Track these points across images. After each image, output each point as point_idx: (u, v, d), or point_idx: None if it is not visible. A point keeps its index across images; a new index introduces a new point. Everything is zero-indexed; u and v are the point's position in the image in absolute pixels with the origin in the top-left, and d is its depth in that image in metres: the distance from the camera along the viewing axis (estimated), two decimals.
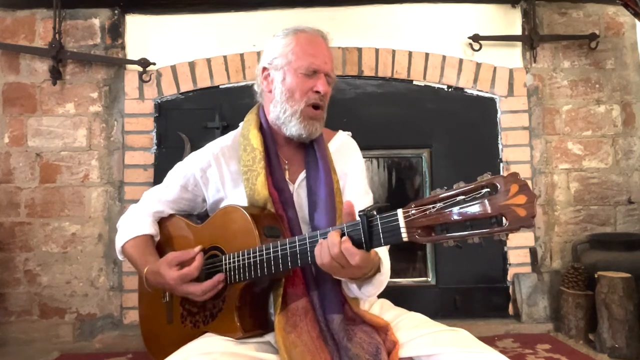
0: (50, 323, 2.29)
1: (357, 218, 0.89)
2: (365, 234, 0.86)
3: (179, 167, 1.32)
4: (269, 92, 1.24)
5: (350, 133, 1.37)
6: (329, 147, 1.27)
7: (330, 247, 0.89)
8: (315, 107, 1.19)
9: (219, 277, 1.09)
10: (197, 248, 1.14)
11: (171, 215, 1.31)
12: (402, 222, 0.81)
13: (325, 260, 0.91)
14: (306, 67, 1.18)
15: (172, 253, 1.16)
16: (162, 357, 1.02)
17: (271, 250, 1.01)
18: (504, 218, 0.71)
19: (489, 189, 0.73)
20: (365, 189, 1.29)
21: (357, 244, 0.87)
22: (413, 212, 0.80)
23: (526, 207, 0.70)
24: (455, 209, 0.75)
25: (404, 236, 0.81)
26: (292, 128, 1.19)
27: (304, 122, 1.18)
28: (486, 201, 0.72)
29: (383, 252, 1.05)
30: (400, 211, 0.82)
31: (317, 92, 1.18)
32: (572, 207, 2.46)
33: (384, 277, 1.04)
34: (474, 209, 0.73)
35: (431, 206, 0.77)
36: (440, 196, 0.77)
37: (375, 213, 0.86)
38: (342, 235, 0.90)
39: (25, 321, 2.29)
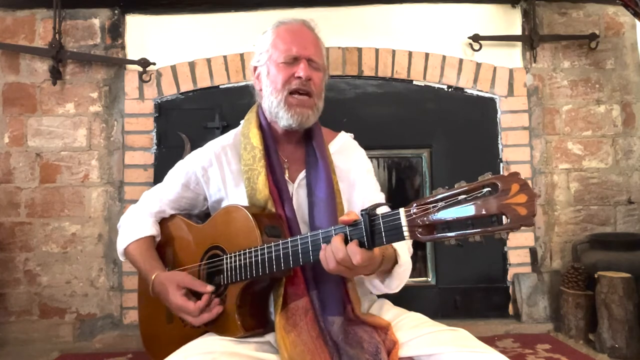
0: (50, 323, 2.29)
1: (359, 217, 0.89)
2: (367, 233, 0.86)
3: (180, 165, 1.32)
4: (260, 90, 1.25)
5: (352, 135, 1.36)
6: (329, 147, 1.26)
7: (334, 252, 0.89)
8: (300, 92, 1.18)
9: (218, 309, 1.08)
10: (209, 288, 1.10)
11: (172, 216, 1.31)
12: (404, 221, 0.82)
13: (331, 266, 0.91)
14: (285, 55, 1.17)
15: (186, 275, 1.15)
16: (161, 357, 1.02)
17: (272, 249, 1.02)
18: (505, 217, 0.72)
19: (490, 189, 0.73)
20: (376, 186, 1.28)
21: (359, 243, 0.87)
22: (415, 210, 0.80)
23: (527, 206, 0.71)
24: (457, 208, 0.75)
25: (406, 235, 0.82)
26: (282, 119, 1.19)
27: (290, 110, 1.17)
28: (487, 200, 0.73)
29: (400, 244, 1.03)
30: (402, 210, 0.83)
31: (299, 77, 1.16)
32: (572, 207, 2.46)
33: (403, 268, 1.04)
34: (475, 207, 0.74)
35: (433, 205, 0.77)
36: (442, 195, 0.77)
37: (377, 212, 0.86)
38: (345, 236, 0.90)
39: (25, 321, 2.29)
